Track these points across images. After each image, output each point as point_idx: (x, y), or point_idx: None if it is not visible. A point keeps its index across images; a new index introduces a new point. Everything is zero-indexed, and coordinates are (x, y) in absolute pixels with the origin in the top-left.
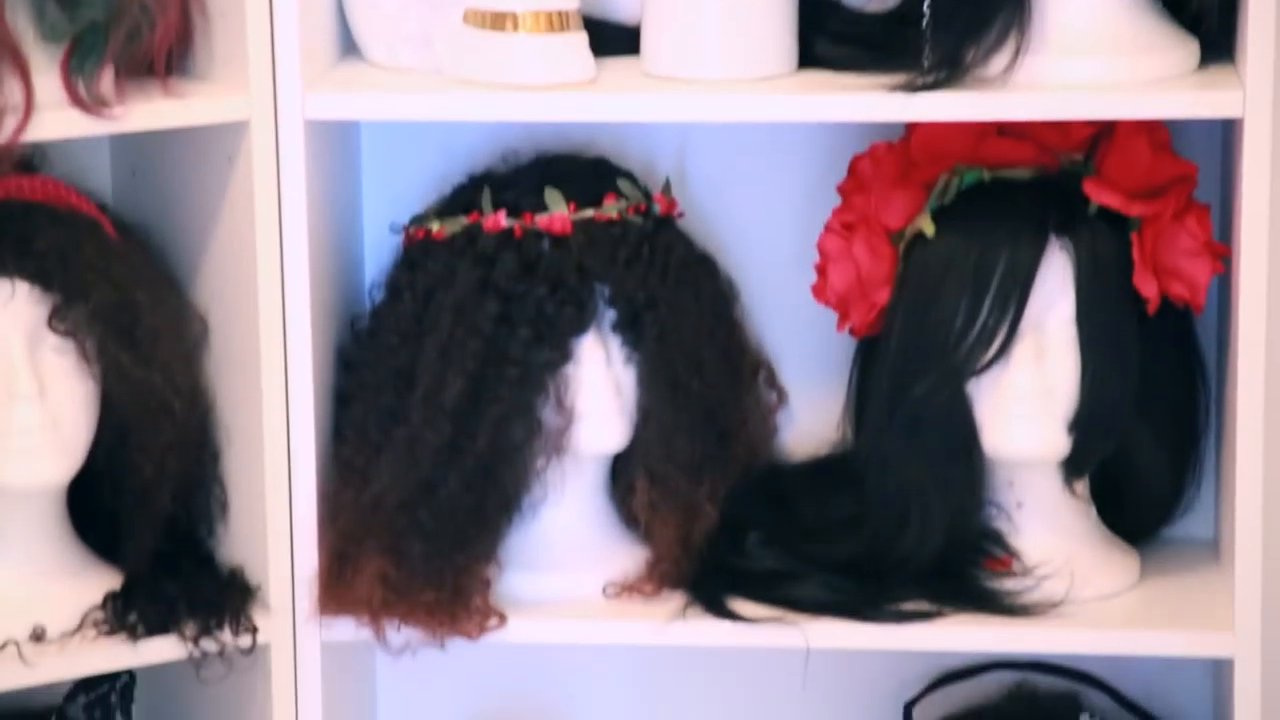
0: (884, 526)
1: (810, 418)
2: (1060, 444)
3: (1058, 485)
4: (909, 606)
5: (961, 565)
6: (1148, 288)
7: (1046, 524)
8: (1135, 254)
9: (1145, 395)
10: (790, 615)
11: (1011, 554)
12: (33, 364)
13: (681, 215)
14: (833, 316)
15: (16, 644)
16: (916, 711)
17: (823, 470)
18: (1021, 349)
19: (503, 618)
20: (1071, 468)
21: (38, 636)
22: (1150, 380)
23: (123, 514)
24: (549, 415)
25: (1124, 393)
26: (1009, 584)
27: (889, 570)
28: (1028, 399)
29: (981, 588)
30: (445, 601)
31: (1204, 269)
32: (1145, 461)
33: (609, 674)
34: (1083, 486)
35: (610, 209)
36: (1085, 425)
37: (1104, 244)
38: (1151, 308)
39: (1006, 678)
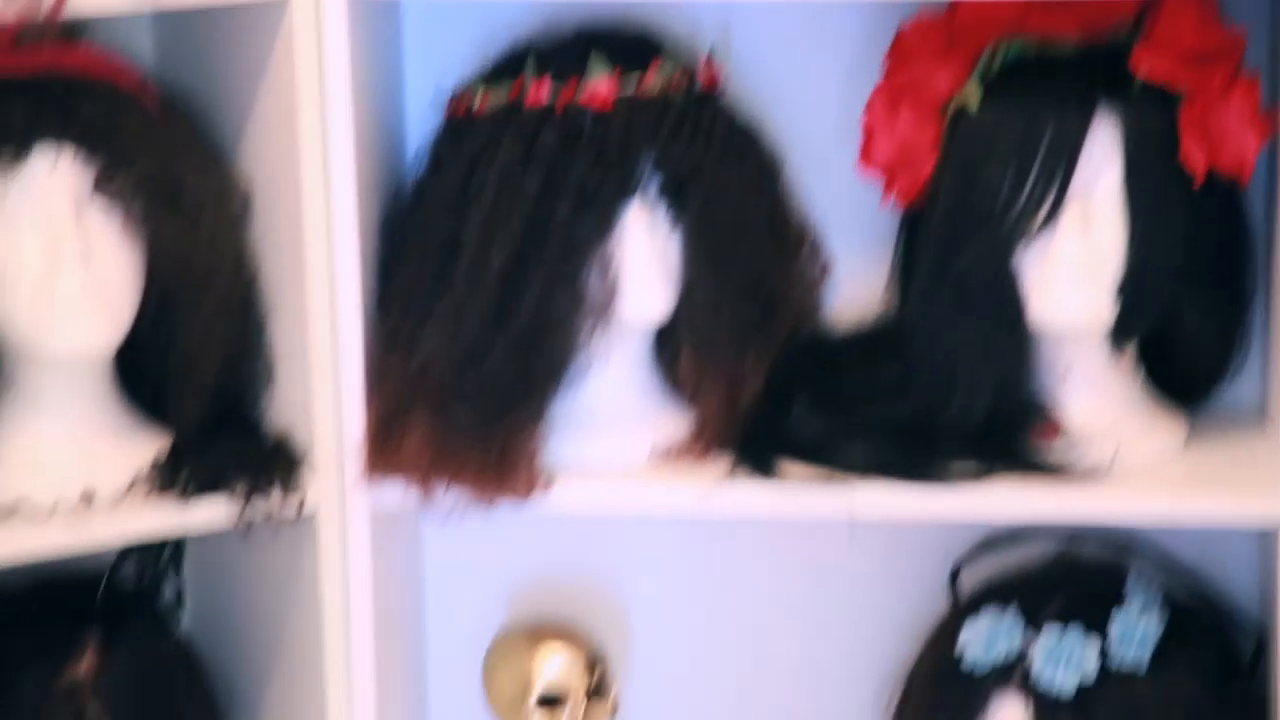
0: (930, 397)
1: (855, 289)
2: (1106, 311)
3: (1104, 352)
4: (956, 468)
5: (1008, 432)
6: (1195, 158)
7: (1093, 390)
8: (1182, 124)
9: (1192, 263)
10: (837, 476)
11: (1058, 420)
12: (78, 231)
13: (725, 87)
14: (878, 187)
15: (67, 507)
16: (963, 576)
17: (868, 341)
18: (1068, 217)
19: (549, 482)
20: (1118, 334)
21: (88, 500)
22: (1197, 248)
23: (169, 381)
24: (594, 284)
25: (1170, 259)
26: (1056, 450)
27: (936, 436)
28: (1074, 267)
29: (1029, 453)
30: (492, 465)
31: (1252, 139)
32: (1192, 327)
33: (654, 541)
34: (1130, 352)
35: (654, 78)
36: (1132, 292)
37: (1151, 114)
38: (1198, 178)
39: (1053, 542)
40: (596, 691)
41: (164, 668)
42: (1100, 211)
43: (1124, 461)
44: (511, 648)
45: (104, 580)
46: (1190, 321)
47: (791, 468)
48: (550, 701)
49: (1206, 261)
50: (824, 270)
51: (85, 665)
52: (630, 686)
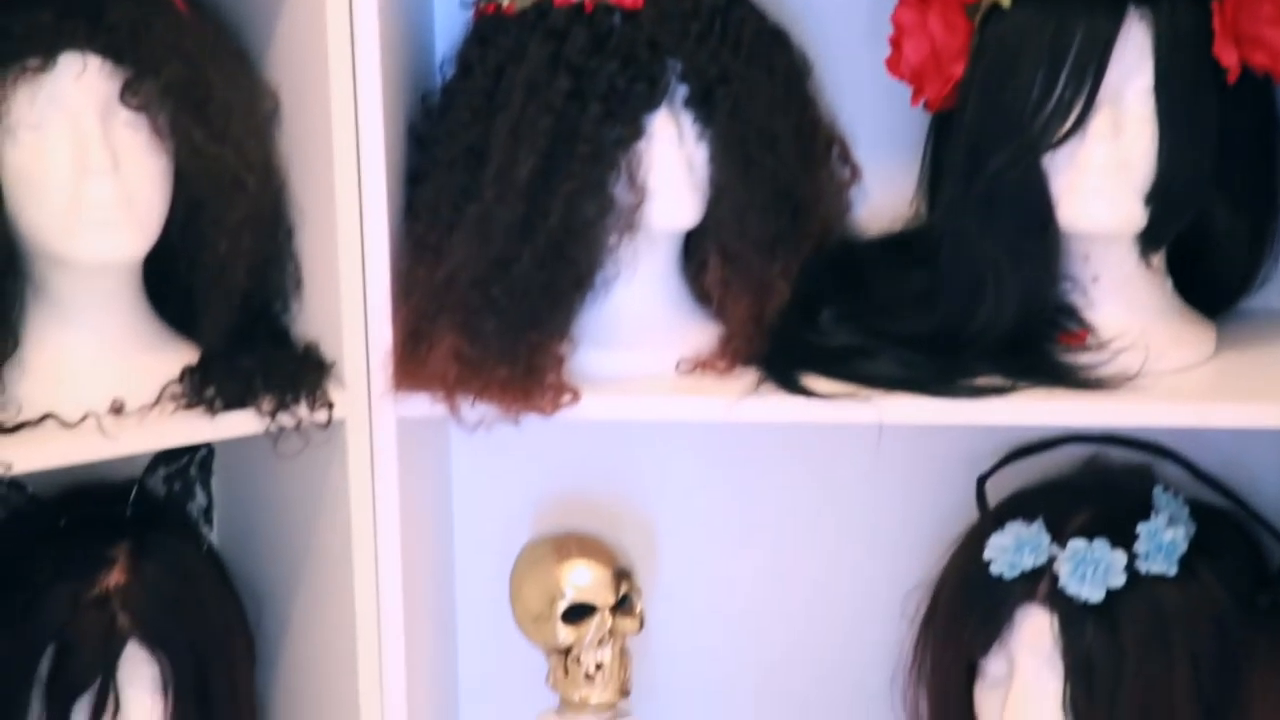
0: (958, 302)
1: (884, 194)
2: (1137, 217)
3: (1134, 258)
4: (983, 381)
5: (1036, 340)
6: (1228, 56)
7: (1122, 297)
8: (1216, 22)
9: (1223, 166)
10: (863, 391)
11: (1087, 328)
12: (106, 139)
13: None
14: (907, 91)
15: (96, 416)
16: (990, 485)
17: (896, 246)
18: (1098, 122)
19: (576, 394)
20: (1148, 240)
21: (117, 409)
22: (1229, 150)
23: (198, 290)
24: (621, 192)
25: (1202, 164)
26: (1084, 358)
27: (963, 344)
28: (1104, 172)
29: (1056, 362)
30: (519, 377)
31: None
32: (1223, 233)
33: (681, 450)
34: (1159, 259)
35: None
36: (1162, 197)
37: (1183, 14)
38: (1232, 77)
39: (1080, 451)
40: (622, 605)
41: (193, 578)
42: (1131, 115)
43: (1153, 369)
44: (538, 560)
45: (134, 491)
46: (1221, 227)
47: (817, 381)
48: (576, 615)
49: (1238, 165)
50: (853, 176)
51: (115, 576)
52: (656, 599)
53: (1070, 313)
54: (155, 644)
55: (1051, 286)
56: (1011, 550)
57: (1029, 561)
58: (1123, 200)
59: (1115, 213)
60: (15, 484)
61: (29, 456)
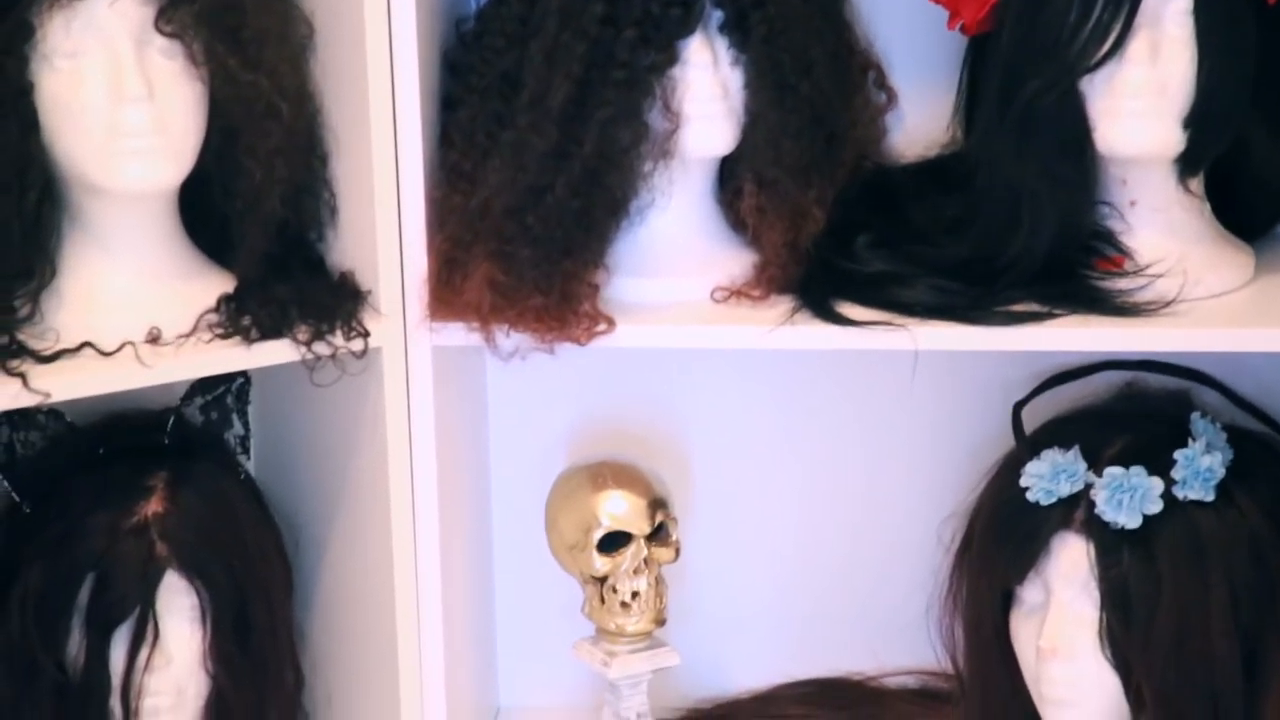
0: (994, 227)
1: (920, 118)
2: (1175, 140)
3: (1171, 182)
4: (1018, 308)
5: (1073, 265)
6: None
7: (1160, 222)
8: None
9: (1262, 88)
10: (898, 318)
11: (1124, 253)
12: (141, 66)
13: None
14: (943, 14)
15: (133, 345)
16: (1025, 413)
17: (932, 172)
18: (1136, 44)
19: (611, 322)
20: (1186, 164)
21: (154, 338)
22: (1267, 73)
23: (234, 219)
24: (656, 118)
25: (1240, 87)
26: (1121, 283)
27: (999, 271)
28: (1142, 95)
29: (1093, 287)
30: (554, 306)
31: None
32: (1261, 156)
33: (716, 378)
34: (1197, 183)
35: None
36: (1200, 120)
37: None
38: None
39: (1117, 378)
40: (658, 534)
41: (231, 507)
42: (1169, 37)
43: (1190, 294)
44: (574, 490)
45: (171, 420)
46: (1260, 150)
47: (852, 309)
48: (612, 544)
49: (1277, 87)
50: (889, 102)
51: (153, 505)
52: (692, 528)
53: (1107, 238)
54: (193, 573)
55: (1088, 211)
56: (1048, 477)
57: (1065, 489)
58: (1161, 123)
59: (1153, 136)
60: (54, 413)
61: (67, 385)
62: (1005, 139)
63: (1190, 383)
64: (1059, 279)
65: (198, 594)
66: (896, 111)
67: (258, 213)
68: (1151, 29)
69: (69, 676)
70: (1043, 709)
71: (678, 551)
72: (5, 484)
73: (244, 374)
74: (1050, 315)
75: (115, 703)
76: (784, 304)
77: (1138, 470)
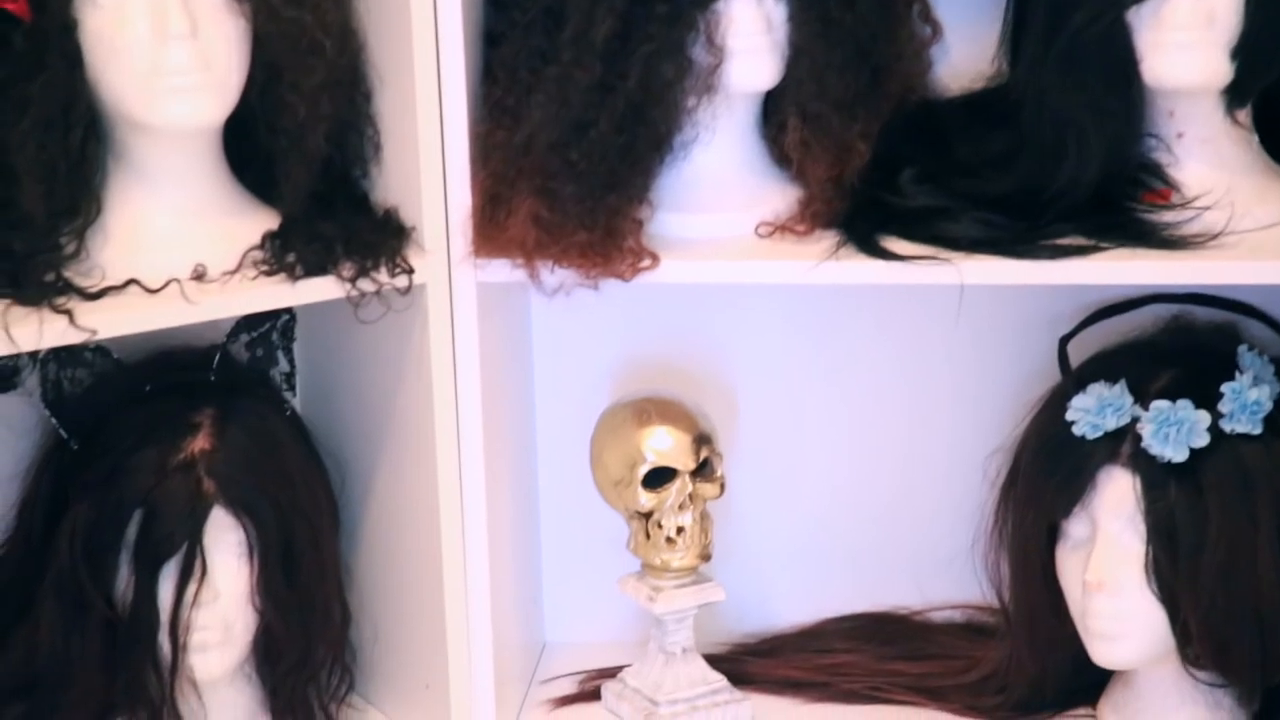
0: (1040, 160)
1: (965, 51)
2: (1222, 71)
3: (1219, 114)
4: (1064, 242)
5: (1119, 198)
6: None
7: (1207, 154)
8: None
9: None
10: (944, 252)
11: (1170, 185)
12: (184, 3)
13: None
14: None
15: (179, 282)
16: (1071, 346)
17: (978, 105)
18: None
19: (655, 258)
20: (1234, 96)
21: (199, 275)
22: None
23: (278, 156)
24: (699, 53)
25: None
26: (1167, 216)
27: (1045, 204)
28: (1189, 26)
29: (1139, 220)
30: (598, 242)
31: None
32: None
33: (761, 314)
34: (1245, 115)
35: None
36: (1249, 51)
37: None
38: None
39: (1164, 311)
40: (703, 470)
41: (277, 443)
42: None
43: (1238, 226)
44: (618, 426)
45: (217, 357)
46: None
47: (897, 243)
48: (657, 480)
49: None
50: (934, 35)
51: (200, 441)
52: (737, 464)
53: (1154, 170)
54: (240, 508)
55: (1135, 144)
56: (1094, 411)
57: (1112, 422)
58: (1208, 54)
59: (1200, 67)
60: (100, 350)
61: (113, 322)
62: (1051, 72)
63: (1237, 316)
64: (1105, 212)
65: (245, 529)
66: (941, 44)
67: (302, 149)
68: None
69: (117, 612)
70: (1089, 643)
71: (723, 487)
72: (53, 421)
73: (289, 311)
74: (1096, 248)
75: (163, 638)
76: (828, 239)
77: (1184, 404)
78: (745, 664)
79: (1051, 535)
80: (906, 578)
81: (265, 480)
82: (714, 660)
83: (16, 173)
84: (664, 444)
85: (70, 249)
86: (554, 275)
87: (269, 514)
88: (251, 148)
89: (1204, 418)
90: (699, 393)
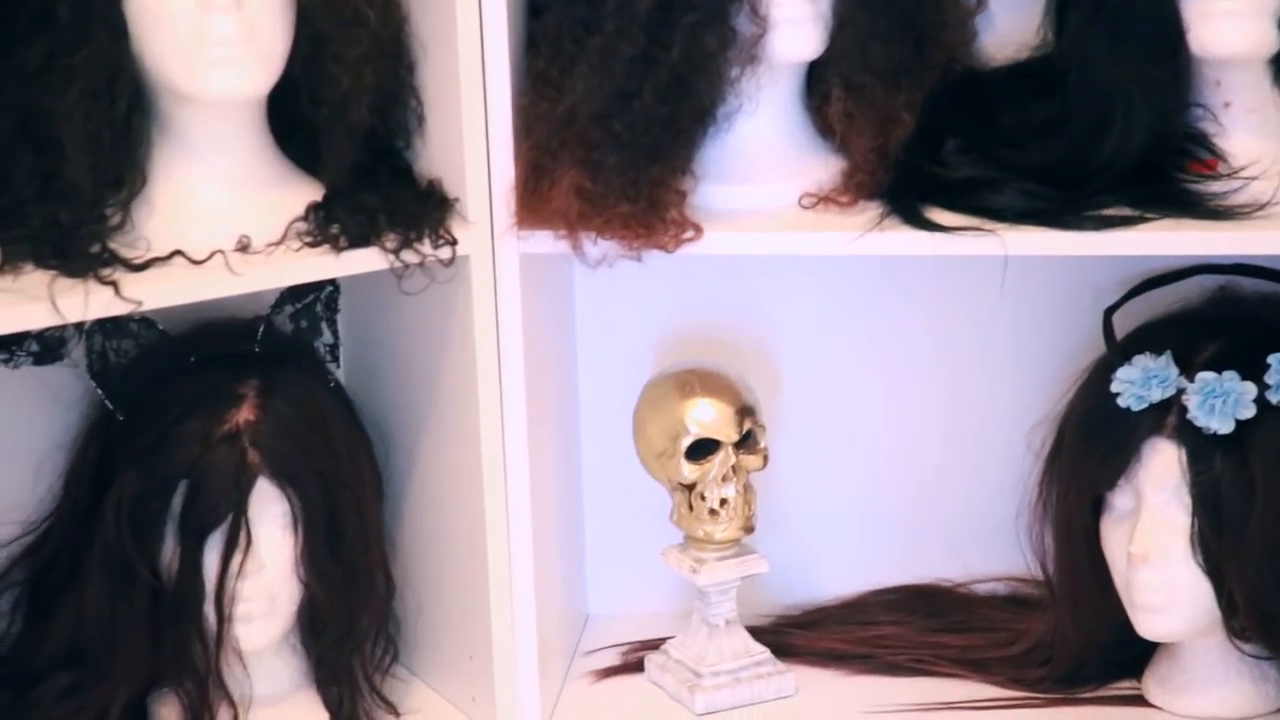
0: (1086, 130)
1: (1010, 20)
2: (1270, 40)
3: (1267, 84)
4: (1110, 212)
5: (1165, 168)
6: None
7: (1254, 124)
8: None
9: None
10: (988, 223)
11: (1217, 155)
12: None
13: None
14: None
15: (223, 254)
16: (1117, 318)
17: (1023, 74)
18: None
19: (699, 229)
20: None
21: (243, 246)
22: None
23: (322, 127)
24: (743, 23)
25: None
26: (1214, 186)
27: (1090, 175)
28: None
29: (1186, 191)
30: (641, 213)
31: None
32: None
33: (804, 285)
34: None
35: None
36: None
37: None
38: None
39: (1210, 282)
40: (746, 441)
41: (321, 414)
42: None
43: None
44: (661, 397)
45: (261, 328)
46: None
47: (941, 214)
48: (700, 451)
49: None
50: (978, 4)
51: (245, 412)
52: (780, 435)
53: (1200, 140)
54: (285, 480)
55: (1181, 114)
56: (1139, 383)
57: (1157, 394)
58: (1256, 23)
59: (1248, 36)
60: (146, 321)
61: (158, 293)
62: (1097, 41)
63: None
64: (1151, 182)
65: (289, 501)
66: (986, 13)
67: (345, 121)
68: None
69: (163, 582)
70: (1134, 615)
71: (766, 459)
72: (99, 392)
73: (333, 282)
74: (1142, 219)
75: (209, 608)
76: (872, 210)
77: (1230, 375)
78: (788, 636)
79: (1096, 507)
80: (950, 550)
81: (309, 451)
82: (757, 632)
83: (62, 144)
84: (707, 416)
85: (115, 220)
86: (597, 247)
87: (313, 485)
88: (295, 119)
89: (1250, 389)
90: (742, 364)
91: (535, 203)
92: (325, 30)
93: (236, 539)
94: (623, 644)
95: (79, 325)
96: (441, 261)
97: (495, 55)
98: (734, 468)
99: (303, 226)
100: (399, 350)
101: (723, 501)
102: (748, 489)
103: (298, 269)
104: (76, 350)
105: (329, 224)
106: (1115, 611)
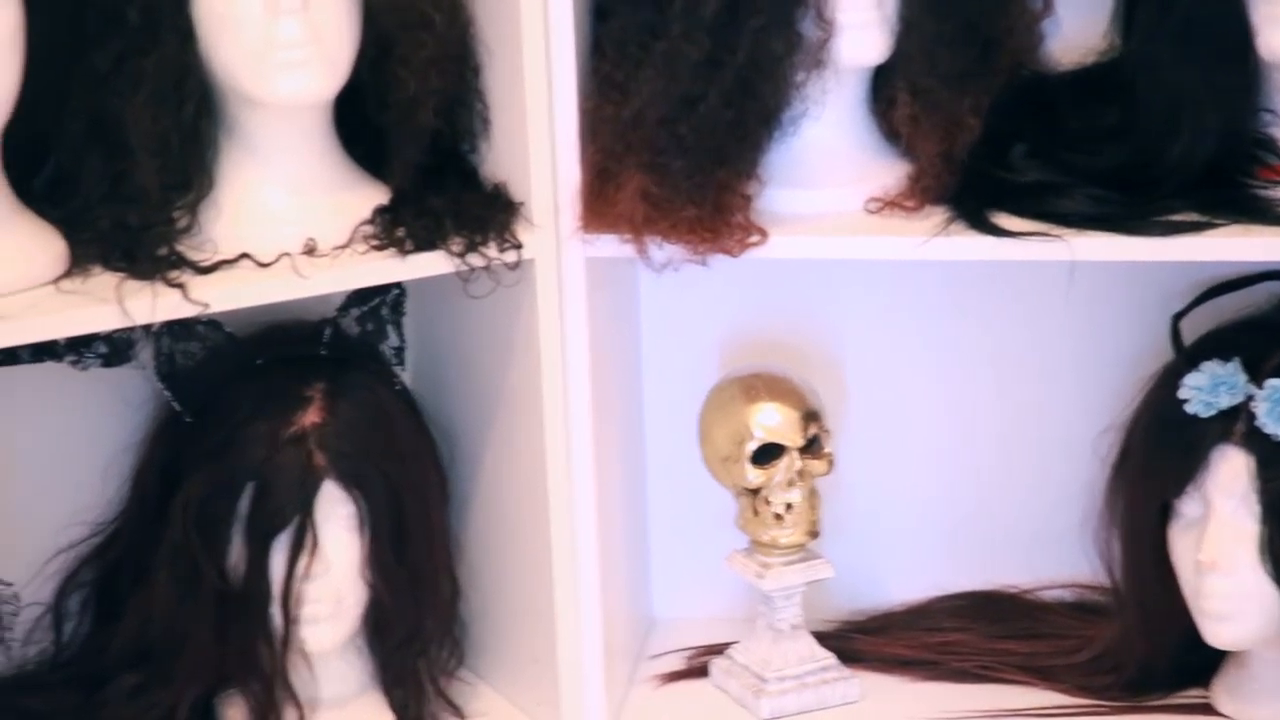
0: (1153, 135)
1: (1077, 24)
2: None
3: None
4: (1178, 218)
5: (1233, 174)
6: None
7: None
8: None
9: None
10: (1055, 228)
11: None
12: None
13: None
14: None
15: (290, 256)
16: (1184, 324)
17: (1090, 79)
18: None
19: (764, 234)
20: None
21: (310, 249)
22: None
23: (388, 130)
24: (809, 27)
25: None
26: None
27: (1158, 180)
28: None
29: (1254, 196)
30: (707, 217)
31: None
32: None
33: (870, 289)
34: None
35: None
36: None
37: None
38: None
39: (1278, 288)
40: (811, 446)
41: (387, 417)
42: None
43: None
44: (727, 402)
45: (327, 331)
46: None
47: (1007, 219)
48: (765, 456)
49: None
50: (1045, 8)
51: (311, 415)
52: (845, 440)
53: (1269, 146)
54: (351, 482)
55: (1250, 119)
56: (1207, 389)
57: (1225, 401)
58: None
59: None
60: (213, 323)
61: (225, 296)
62: (1165, 46)
63: None
64: (1219, 188)
65: (355, 503)
66: (1053, 18)
67: (412, 124)
68: None
69: (230, 584)
70: (1201, 623)
71: (831, 463)
72: (166, 394)
73: (399, 285)
74: (1210, 225)
75: (275, 610)
76: (938, 214)
77: None
78: (854, 641)
79: (1164, 514)
80: (1016, 556)
81: (375, 454)
82: (822, 637)
83: (131, 147)
84: (772, 420)
85: (183, 223)
86: (662, 251)
87: (379, 487)
88: (362, 122)
89: None
90: (807, 368)
91: (600, 206)
92: (392, 33)
93: (303, 541)
94: (687, 648)
95: (147, 327)
96: (507, 265)
97: (561, 58)
98: (799, 472)
99: (369, 230)
100: (464, 353)
101: (788, 506)
102: (813, 494)
103: (364, 272)
104: (144, 352)
105: (395, 227)
106: (1183, 619)
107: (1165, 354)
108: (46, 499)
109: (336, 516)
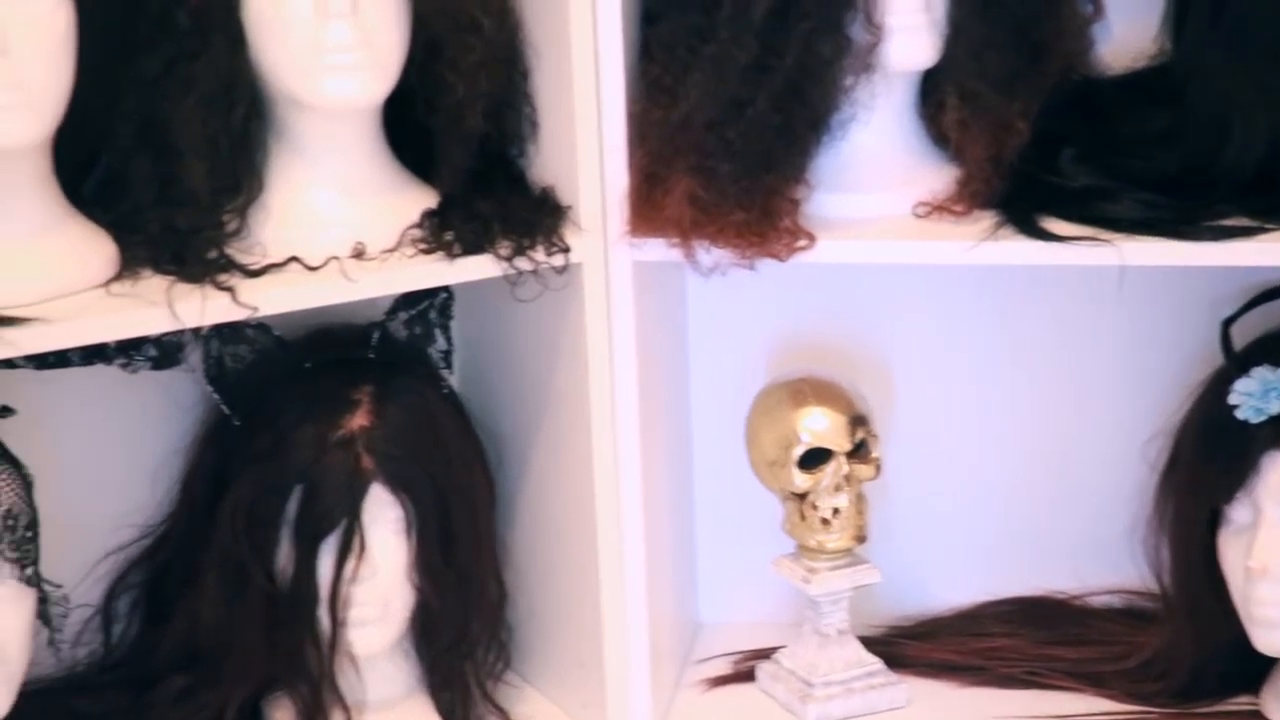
0: (1204, 140)
1: (1128, 29)
2: None
3: None
4: (1228, 223)
5: None
6: None
7: None
8: None
9: None
10: (1104, 233)
11: None
12: None
13: None
14: None
15: (339, 260)
16: (1235, 329)
17: (1140, 84)
18: None
19: (812, 238)
20: None
21: (358, 253)
22: None
23: (436, 134)
24: (857, 31)
25: None
26: None
27: (1208, 185)
28: None
29: None
30: (754, 222)
31: None
32: None
33: (918, 294)
34: None
35: None
36: None
37: None
38: None
39: None
40: (859, 451)
41: (435, 420)
42: None
43: None
44: (774, 406)
45: (375, 334)
46: None
47: (1057, 224)
48: (813, 460)
49: None
50: (1095, 12)
51: (359, 418)
52: (893, 445)
53: None
54: (399, 485)
55: None
56: (1258, 395)
57: (1275, 406)
58: None
59: None
60: (261, 326)
61: (274, 299)
62: (1216, 50)
63: None
64: (1271, 192)
65: (403, 506)
66: (1103, 22)
67: (460, 127)
68: None
69: (278, 586)
70: (1251, 629)
71: (878, 468)
72: (215, 396)
73: (447, 289)
74: (1261, 230)
75: (323, 613)
76: (987, 219)
77: None
78: (901, 646)
79: (1213, 520)
80: (1064, 561)
81: (423, 457)
82: (869, 642)
83: (181, 151)
84: (820, 425)
85: (232, 226)
86: (710, 255)
87: (427, 491)
88: (410, 126)
89: None
90: (855, 373)
91: (648, 210)
92: (441, 37)
93: (350, 544)
94: (734, 653)
95: (196, 330)
96: (555, 269)
97: (609, 62)
98: (846, 477)
99: (417, 233)
100: (512, 357)
101: (835, 511)
102: (860, 498)
103: (412, 275)
104: (194, 355)
105: (443, 231)
106: (1233, 625)
107: (1215, 359)
108: (96, 501)
109: (384, 519)
